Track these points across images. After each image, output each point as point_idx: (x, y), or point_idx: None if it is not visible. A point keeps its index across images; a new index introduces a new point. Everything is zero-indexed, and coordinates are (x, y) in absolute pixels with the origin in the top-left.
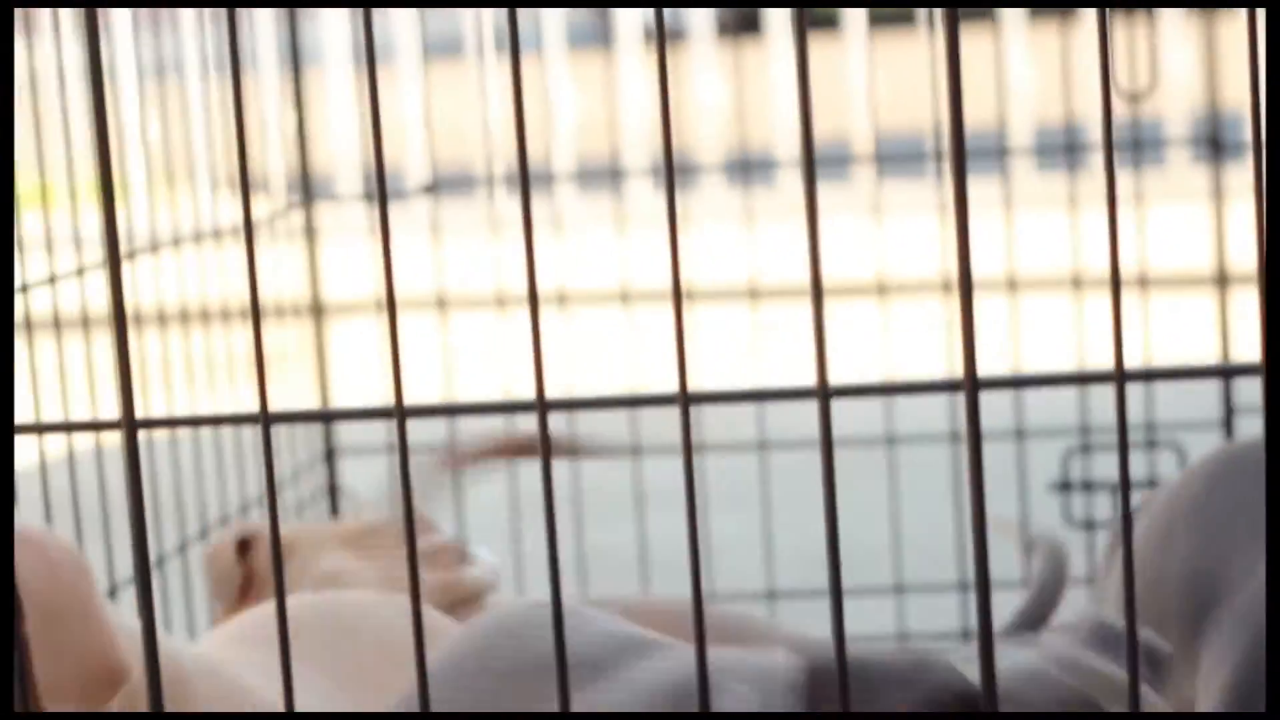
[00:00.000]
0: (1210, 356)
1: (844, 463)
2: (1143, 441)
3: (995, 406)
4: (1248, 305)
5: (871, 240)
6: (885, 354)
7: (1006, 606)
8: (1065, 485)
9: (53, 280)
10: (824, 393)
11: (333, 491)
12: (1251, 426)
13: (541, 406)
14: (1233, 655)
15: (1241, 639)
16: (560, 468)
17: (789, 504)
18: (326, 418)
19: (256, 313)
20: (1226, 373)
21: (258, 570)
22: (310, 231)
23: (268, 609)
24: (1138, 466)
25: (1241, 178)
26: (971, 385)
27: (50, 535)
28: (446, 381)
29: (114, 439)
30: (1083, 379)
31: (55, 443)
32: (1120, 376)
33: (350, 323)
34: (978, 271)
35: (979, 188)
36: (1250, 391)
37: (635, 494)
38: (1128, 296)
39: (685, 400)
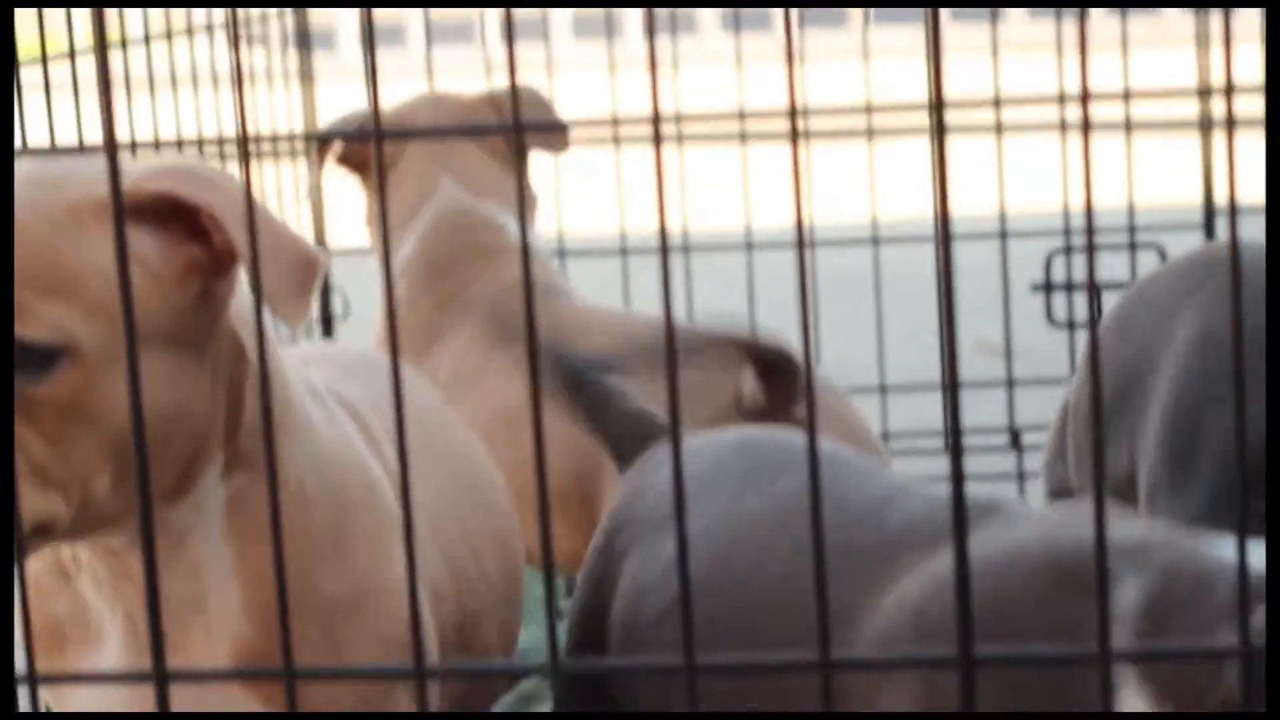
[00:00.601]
0: (1193, 194)
1: (829, 272)
2: (1124, 244)
3: (978, 208)
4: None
5: (862, 83)
6: (871, 193)
7: (982, 405)
8: (1047, 286)
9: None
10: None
11: (323, 293)
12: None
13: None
14: (1160, 416)
15: (1165, 402)
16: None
17: (774, 308)
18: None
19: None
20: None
21: (369, 155)
22: (306, 75)
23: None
24: (1120, 267)
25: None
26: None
27: (191, 161)
28: None
29: None
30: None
31: None
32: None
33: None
34: (964, 116)
35: (970, 33)
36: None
37: (624, 294)
38: (1113, 139)
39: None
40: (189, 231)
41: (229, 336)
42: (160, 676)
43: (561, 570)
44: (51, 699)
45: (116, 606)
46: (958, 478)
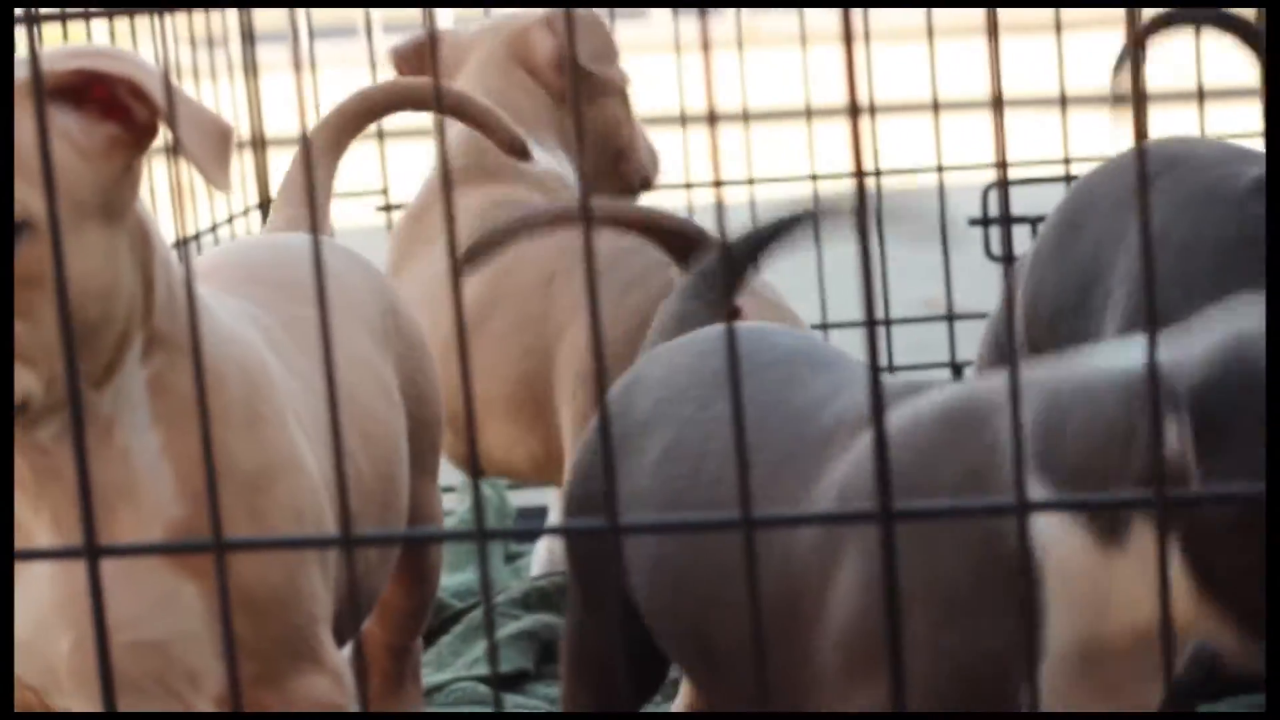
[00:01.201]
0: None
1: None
2: (1061, 175)
3: (916, 144)
4: (1160, 120)
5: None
6: (810, 153)
7: (929, 346)
8: (984, 220)
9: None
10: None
11: (264, 208)
12: None
13: None
14: (1115, 326)
15: (1128, 286)
16: None
17: None
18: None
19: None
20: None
21: (444, 64)
22: (250, 67)
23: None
24: (1055, 198)
25: None
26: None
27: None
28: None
29: None
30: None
31: None
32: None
33: (289, 155)
34: (904, 95)
35: (907, 16)
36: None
37: None
38: (1049, 114)
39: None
40: (104, 110)
41: (134, 217)
42: (91, 552)
43: (523, 475)
44: None
45: (42, 509)
46: (877, 398)
